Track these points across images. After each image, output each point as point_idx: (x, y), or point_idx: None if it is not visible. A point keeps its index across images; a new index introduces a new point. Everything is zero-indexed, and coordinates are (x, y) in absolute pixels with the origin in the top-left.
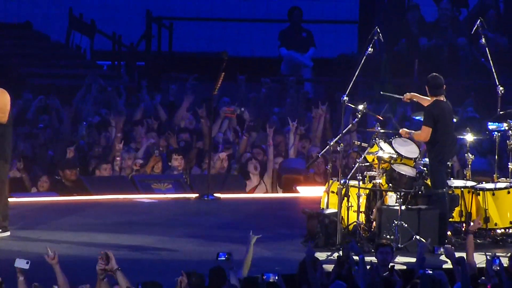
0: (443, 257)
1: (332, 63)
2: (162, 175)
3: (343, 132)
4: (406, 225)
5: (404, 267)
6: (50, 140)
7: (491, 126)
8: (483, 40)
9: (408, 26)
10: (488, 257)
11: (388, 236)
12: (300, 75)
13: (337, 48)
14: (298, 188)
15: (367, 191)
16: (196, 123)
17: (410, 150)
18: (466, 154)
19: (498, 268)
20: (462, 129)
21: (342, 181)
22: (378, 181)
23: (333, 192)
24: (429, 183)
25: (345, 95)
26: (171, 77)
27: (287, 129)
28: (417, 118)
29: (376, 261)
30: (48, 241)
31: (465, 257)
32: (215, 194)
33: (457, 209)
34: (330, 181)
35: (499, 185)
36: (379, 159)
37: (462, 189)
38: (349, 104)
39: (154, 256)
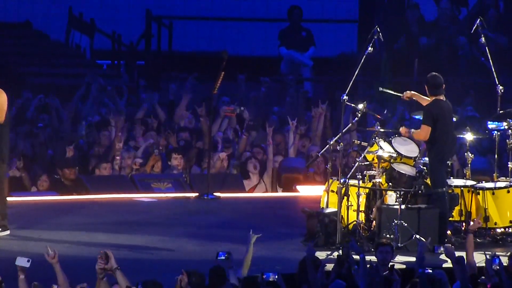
0: (443, 256)
1: (332, 62)
2: (161, 174)
3: (343, 131)
4: (406, 224)
5: (404, 266)
6: (50, 139)
7: (491, 125)
8: (483, 39)
9: (408, 25)
10: (488, 256)
11: (388, 235)
12: (299, 74)
13: (337, 47)
14: (298, 187)
15: (367, 190)
16: (195, 122)
17: (410, 149)
18: (466, 153)
19: (498, 267)
20: (462, 128)
21: (342, 180)
22: (378, 180)
23: (333, 191)
24: (429, 182)
25: (345, 94)
26: (171, 76)
27: (287, 129)
28: (417, 117)
29: (376, 260)
30: (48, 240)
31: (465, 257)
32: (215, 193)
33: (457, 208)
34: (330, 180)
35: (499, 184)
36: (379, 158)
37: (462, 188)
38: (349, 103)
39: (154, 256)
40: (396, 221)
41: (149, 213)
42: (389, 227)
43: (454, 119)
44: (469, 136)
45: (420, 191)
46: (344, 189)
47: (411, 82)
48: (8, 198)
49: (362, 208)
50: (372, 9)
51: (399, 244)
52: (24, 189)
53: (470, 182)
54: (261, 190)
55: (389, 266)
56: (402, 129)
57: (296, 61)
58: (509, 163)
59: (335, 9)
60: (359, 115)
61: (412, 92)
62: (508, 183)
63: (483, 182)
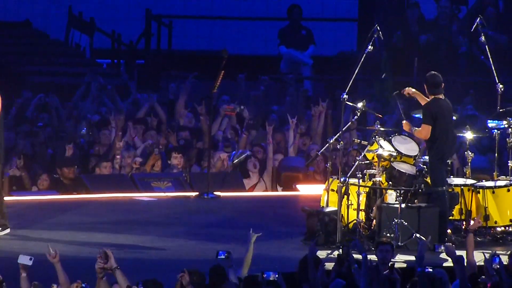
0: (443, 255)
1: (331, 61)
2: (161, 173)
3: (343, 130)
4: (406, 223)
5: (404, 265)
6: (50, 138)
7: (491, 124)
8: (483, 37)
9: (408, 23)
10: (488, 255)
11: (388, 234)
12: (299, 73)
13: (337, 46)
14: (298, 186)
15: (367, 189)
16: (195, 121)
17: (410, 148)
18: (465, 152)
19: (498, 266)
20: (462, 126)
21: (342, 179)
22: (378, 179)
23: (333, 190)
24: (429, 181)
25: (344, 93)
26: (170, 75)
27: (287, 127)
28: (416, 115)
29: (376, 259)
30: (48, 239)
31: (465, 256)
32: (215, 192)
33: (457, 207)
34: (330, 179)
35: (499, 183)
36: (379, 157)
37: (462, 187)
38: (349, 102)
39: (154, 255)
40: (396, 220)
41: (149, 212)
42: (389, 226)
43: (454, 117)
44: (469, 135)
45: (420, 190)
46: (344, 188)
47: (411, 81)
48: (8, 198)
49: (362, 207)
50: (372, 8)
51: (399, 243)
52: (24, 188)
53: (470, 181)
54: (261, 189)
55: (389, 265)
56: (405, 124)
57: (296, 60)
58: (509, 161)
59: (335, 8)
60: (359, 113)
61: (414, 90)
62: (508, 181)
63: (483, 180)
